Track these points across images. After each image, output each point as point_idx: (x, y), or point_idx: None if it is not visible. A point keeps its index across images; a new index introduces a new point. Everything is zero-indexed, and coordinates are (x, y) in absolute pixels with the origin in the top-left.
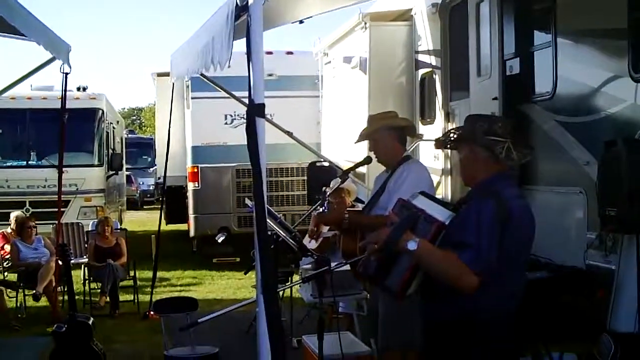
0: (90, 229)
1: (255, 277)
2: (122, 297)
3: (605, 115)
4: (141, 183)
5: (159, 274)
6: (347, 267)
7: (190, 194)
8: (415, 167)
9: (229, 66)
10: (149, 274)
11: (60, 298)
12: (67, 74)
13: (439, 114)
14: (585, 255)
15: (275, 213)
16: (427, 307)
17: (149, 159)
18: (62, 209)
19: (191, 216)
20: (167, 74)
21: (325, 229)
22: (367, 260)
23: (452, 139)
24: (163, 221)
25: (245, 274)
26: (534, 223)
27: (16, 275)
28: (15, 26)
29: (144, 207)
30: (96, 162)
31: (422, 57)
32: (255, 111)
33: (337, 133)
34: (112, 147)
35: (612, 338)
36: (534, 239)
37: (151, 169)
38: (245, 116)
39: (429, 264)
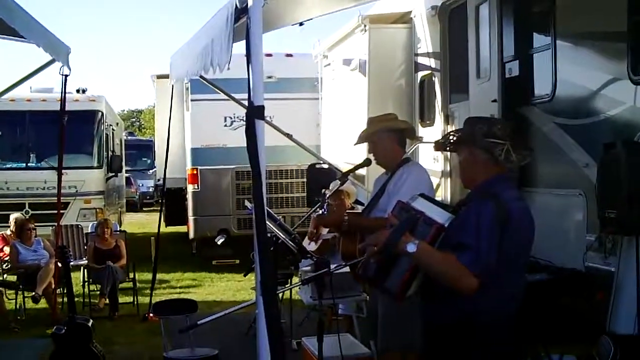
0: (89, 231)
1: (255, 279)
2: (122, 299)
3: (605, 118)
4: (141, 185)
5: (159, 276)
6: (347, 269)
7: (189, 196)
8: (415, 170)
9: (228, 68)
10: (149, 276)
11: (60, 300)
12: (66, 76)
13: (439, 117)
14: (585, 258)
15: (275, 215)
16: (426, 309)
17: (149, 161)
18: (61, 211)
19: (191, 218)
20: (166, 76)
21: (324, 231)
22: (366, 262)
23: (452, 141)
24: (162, 223)
25: (245, 276)
26: (534, 225)
27: (15, 277)
28: (15, 28)
29: (144, 209)
30: (95, 164)
31: (421, 60)
32: (254, 113)
33: (336, 135)
34: (111, 149)
35: (612, 340)
36: (534, 241)
37: (150, 171)
38: (244, 118)
39: (429, 265)
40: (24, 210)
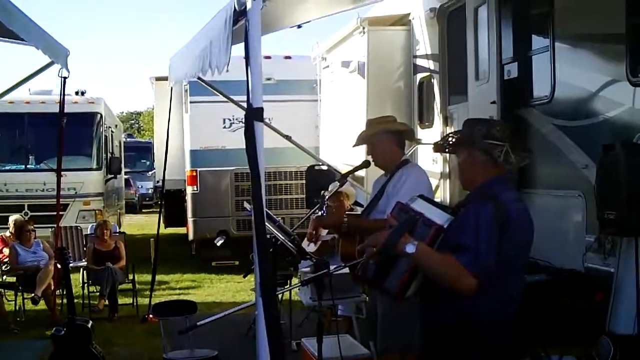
0: (89, 233)
1: (254, 280)
2: (121, 300)
3: (604, 119)
4: (140, 187)
5: (158, 277)
6: (346, 270)
7: (189, 198)
8: (414, 171)
9: (227, 70)
10: (148, 277)
11: (59, 301)
12: (65, 78)
13: (437, 118)
14: (584, 258)
15: (274, 216)
16: (425, 309)
17: (148, 163)
18: (60, 213)
19: (190, 220)
20: (165, 78)
21: (324, 232)
22: (365, 263)
23: (451, 142)
24: (162, 224)
25: (244, 277)
26: (533, 226)
27: (15, 278)
28: (14, 30)
29: (143, 210)
30: (95, 166)
31: (420, 62)
32: (253, 115)
33: (335, 137)
34: (110, 150)
35: (611, 340)
36: (533, 242)
37: (150, 173)
38: (243, 120)
39: (428, 266)
40: (24, 211)
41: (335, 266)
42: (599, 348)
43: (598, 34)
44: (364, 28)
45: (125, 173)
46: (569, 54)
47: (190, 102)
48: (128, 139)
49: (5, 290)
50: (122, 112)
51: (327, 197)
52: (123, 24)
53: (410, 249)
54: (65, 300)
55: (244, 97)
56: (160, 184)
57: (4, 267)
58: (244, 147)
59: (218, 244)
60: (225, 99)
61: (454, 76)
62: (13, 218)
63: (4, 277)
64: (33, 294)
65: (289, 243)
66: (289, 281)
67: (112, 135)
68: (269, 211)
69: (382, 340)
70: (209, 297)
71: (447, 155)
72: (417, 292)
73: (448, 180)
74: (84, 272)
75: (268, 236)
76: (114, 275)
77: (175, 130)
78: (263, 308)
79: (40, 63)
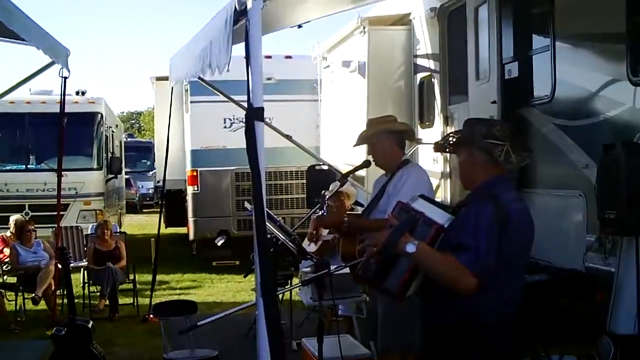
0: (89, 233)
1: (255, 280)
2: (122, 300)
3: (604, 119)
4: (140, 186)
5: (159, 277)
6: (347, 270)
7: (189, 198)
8: (415, 171)
9: (227, 70)
10: (149, 277)
11: (60, 301)
12: (66, 78)
13: (438, 118)
14: (585, 258)
15: (275, 216)
16: (426, 309)
17: (148, 163)
18: (61, 213)
19: (190, 219)
20: (166, 78)
21: (324, 232)
22: (366, 263)
23: (451, 142)
24: (162, 224)
25: (245, 277)
26: (533, 226)
27: (15, 278)
28: (14, 30)
29: (143, 210)
30: (95, 166)
31: (420, 61)
32: (254, 115)
33: (336, 137)
34: (111, 150)
35: (612, 340)
36: (534, 242)
37: (150, 173)
38: (244, 120)
39: (428, 266)
40: (24, 211)
41: (335, 266)
42: (599, 348)
43: (598, 33)
44: (364, 28)
45: (126, 173)
46: (569, 53)
47: (191, 102)
48: (129, 139)
49: (6, 290)
50: (123, 112)
51: (327, 196)
52: (123, 24)
53: (410, 248)
54: (65, 300)
55: (245, 97)
56: (160, 183)
57: (4, 267)
58: (245, 146)
59: (219, 244)
60: (225, 99)
61: (455, 76)
62: (14, 218)
63: (5, 277)
64: (34, 294)
65: (290, 243)
66: (289, 281)
67: (112, 135)
68: (269, 211)
69: (383, 340)
70: (210, 297)
71: (448, 155)
72: (418, 292)
73: (449, 180)
74: (85, 272)
75: (269, 236)
76: (115, 275)
77: (175, 130)
78: (264, 308)
79: (41, 63)
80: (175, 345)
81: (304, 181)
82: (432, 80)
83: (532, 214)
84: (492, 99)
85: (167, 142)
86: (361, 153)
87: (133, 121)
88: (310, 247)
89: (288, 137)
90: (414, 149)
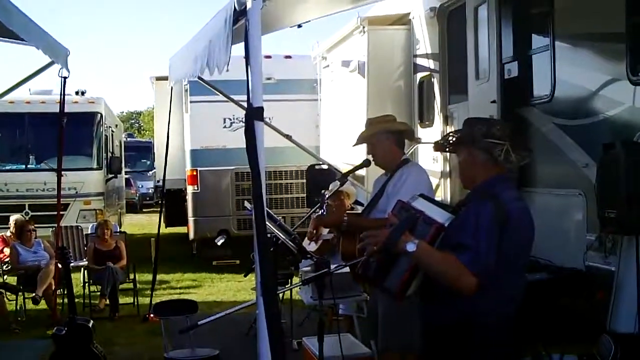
0: (89, 232)
1: (255, 280)
2: (122, 299)
3: (604, 118)
4: (140, 186)
5: (159, 276)
6: (347, 269)
7: (189, 197)
8: (414, 170)
9: (227, 70)
10: (149, 276)
11: (60, 301)
12: (65, 78)
13: (438, 117)
14: (585, 257)
15: (275, 216)
16: (426, 309)
17: (148, 162)
18: (61, 212)
19: (190, 219)
20: (166, 78)
21: (324, 231)
22: (366, 262)
23: (451, 142)
24: (162, 224)
25: (245, 276)
26: (533, 226)
27: (16, 278)
28: (14, 30)
29: (143, 210)
30: (95, 166)
31: (420, 61)
32: (254, 115)
33: (335, 136)
34: (111, 150)
35: (613, 339)
36: (534, 241)
37: (150, 172)
38: (244, 120)
39: (428, 265)
40: (24, 211)
41: (336, 265)
42: (600, 347)
43: (598, 33)
44: (364, 27)
45: (126, 173)
46: (569, 53)
47: (191, 102)
48: (128, 139)
49: (6, 291)
50: (123, 112)
51: (327, 196)
52: (123, 24)
53: (410, 247)
54: (66, 300)
55: (244, 97)
56: (160, 183)
57: (4, 267)
58: (245, 146)
59: (219, 244)
60: (225, 99)
61: (454, 75)
62: (14, 218)
63: (5, 277)
64: (34, 294)
65: (290, 242)
66: (289, 280)
67: (112, 134)
68: (269, 210)
69: (383, 339)
70: (210, 296)
71: (448, 154)
72: (418, 292)
73: (448, 180)
74: (85, 271)
75: (269, 235)
76: (115, 274)
77: (175, 130)
78: (264, 307)
79: (41, 63)
80: (176, 344)
81: (304, 181)
82: (432, 79)
83: (532, 213)
84: (491, 98)
85: (167, 142)
86: (361, 152)
87: (133, 121)
88: (311, 246)
89: (288, 137)
90: (414, 148)
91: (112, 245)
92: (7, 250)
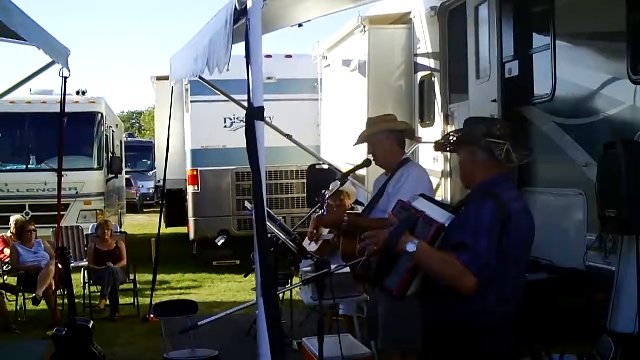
0: (89, 232)
1: (255, 280)
2: (122, 300)
3: (604, 117)
4: (141, 186)
5: (159, 276)
6: (347, 269)
7: (189, 197)
8: (415, 170)
9: (227, 69)
10: (149, 276)
11: (60, 301)
12: (66, 77)
13: (438, 117)
14: (585, 257)
15: (275, 216)
16: (426, 309)
17: (149, 162)
18: (61, 212)
19: (191, 219)
20: (166, 78)
21: (324, 231)
22: (366, 262)
23: (452, 141)
24: (163, 224)
25: (245, 276)
26: (533, 225)
27: (16, 278)
28: (14, 30)
29: (144, 210)
30: (95, 166)
31: (421, 60)
32: (254, 114)
33: (336, 136)
34: (111, 150)
35: (613, 339)
36: (534, 241)
37: (150, 172)
38: (244, 119)
39: (428, 265)
40: (24, 211)
41: (336, 265)
42: (600, 347)
43: (599, 31)
44: (364, 27)
45: (126, 172)
46: (569, 52)
47: (191, 101)
48: (129, 139)
49: (6, 291)
50: (123, 112)
51: (327, 196)
52: (123, 24)
53: (410, 247)
54: (66, 300)
55: (245, 96)
56: (161, 183)
57: (4, 267)
58: (245, 146)
59: (219, 244)
60: (226, 98)
61: (455, 74)
62: (14, 218)
63: (5, 277)
64: (34, 294)
65: (290, 242)
66: (289, 280)
67: (112, 134)
68: (269, 210)
69: (383, 339)
70: (210, 296)
71: (448, 153)
72: (418, 291)
73: (449, 179)
74: (85, 271)
75: (269, 235)
76: (115, 275)
77: (176, 130)
78: (264, 307)
79: (41, 63)
80: (176, 344)
81: (304, 180)
82: (433, 79)
83: (532, 212)
84: (492, 97)
85: (167, 142)
86: (361, 152)
87: (133, 121)
88: (311, 246)
89: (288, 137)
90: (414, 147)
91: (112, 246)
92: (7, 251)
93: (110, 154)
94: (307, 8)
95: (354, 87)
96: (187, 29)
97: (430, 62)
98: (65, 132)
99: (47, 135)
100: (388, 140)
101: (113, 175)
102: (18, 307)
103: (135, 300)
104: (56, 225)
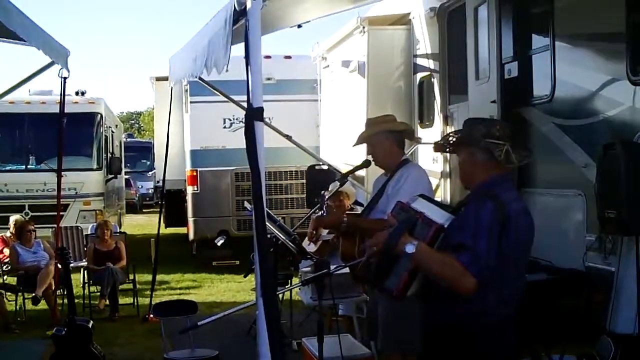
0: (89, 233)
1: (255, 280)
2: (122, 300)
3: (604, 118)
4: (140, 187)
5: (159, 277)
6: (347, 269)
7: (189, 198)
8: (414, 171)
9: (227, 70)
10: (149, 277)
11: (60, 301)
12: (65, 78)
13: (438, 118)
14: (585, 258)
15: (275, 216)
16: (426, 309)
17: (148, 163)
18: (61, 213)
19: (190, 219)
20: (166, 78)
21: (324, 232)
22: (366, 263)
23: (451, 142)
24: (162, 224)
25: (245, 277)
26: (533, 226)
27: (15, 278)
28: (14, 31)
29: (143, 210)
30: (95, 166)
31: (420, 61)
32: (254, 115)
33: (335, 136)
34: (111, 151)
35: (612, 340)
36: (533, 242)
37: (150, 173)
38: (244, 120)
39: (428, 266)
40: (24, 212)
41: (335, 266)
42: (599, 348)
43: (598, 33)
44: (364, 27)
45: (126, 173)
46: (569, 53)
47: (191, 102)
48: (128, 139)
49: (6, 291)
50: (123, 112)
51: (327, 196)
52: (123, 24)
53: (410, 249)
54: (65, 300)
55: (244, 97)
56: (160, 184)
57: (4, 267)
58: (245, 146)
59: (218, 244)
60: (225, 99)
61: (454, 75)
62: (14, 218)
63: (5, 277)
64: (34, 294)
65: (290, 243)
66: (289, 281)
67: (112, 135)
68: (269, 211)
69: (383, 339)
70: (210, 297)
71: (448, 154)
72: (418, 292)
73: (448, 180)
74: (85, 272)
75: (269, 236)
76: (115, 275)
77: (175, 130)
78: (264, 308)
79: (41, 63)
80: (176, 344)
81: (304, 181)
82: (432, 80)
83: (532, 213)
84: (491, 98)
85: (166, 142)
86: (361, 153)
87: (133, 121)
88: (310, 247)
89: (288, 137)
90: (414, 148)
91: (112, 246)
92: (7, 251)
93: (109, 155)
94: (307, 9)
95: (354, 88)
96: (186, 29)
97: (430, 63)
98: (65, 133)
99: (46, 135)
100: (387, 141)
101: (112, 175)
102: (18, 307)
103: (135, 301)
104: (56, 225)
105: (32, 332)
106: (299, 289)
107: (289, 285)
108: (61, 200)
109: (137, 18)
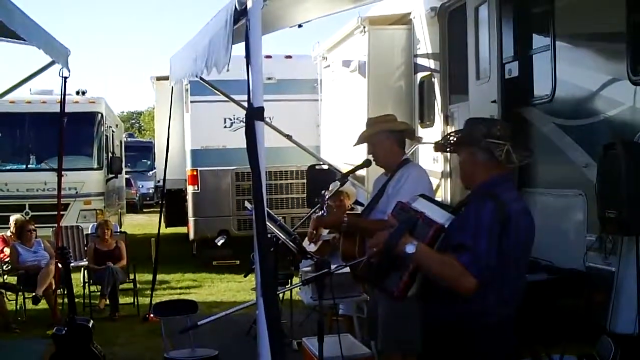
0: (89, 232)
1: (255, 280)
2: (122, 299)
3: (604, 118)
4: (141, 186)
5: (159, 276)
6: (347, 269)
7: (189, 197)
8: (415, 171)
9: (227, 70)
10: (149, 276)
11: (60, 301)
12: (66, 78)
13: (438, 117)
14: (585, 258)
15: (275, 216)
16: (426, 309)
17: (149, 162)
18: (61, 212)
19: (191, 219)
20: (166, 78)
21: (324, 232)
22: (367, 263)
23: (452, 142)
24: (162, 224)
25: (245, 276)
26: (534, 226)
27: (16, 278)
28: (14, 30)
29: (144, 210)
30: (95, 166)
31: (421, 61)
32: (254, 115)
33: (336, 136)
34: (111, 150)
35: (613, 340)
36: (534, 242)
37: (150, 172)
38: (244, 120)
39: (428, 266)
40: (24, 211)
41: (336, 266)
42: (600, 348)
43: (599, 32)
44: (364, 27)
45: (126, 173)
46: (569, 52)
47: (191, 102)
48: (129, 139)
49: (6, 291)
50: (123, 112)
51: (327, 196)
52: (123, 24)
53: (410, 249)
54: (66, 300)
55: (245, 97)
56: (161, 183)
57: (4, 267)
58: (245, 146)
59: (219, 244)
60: (226, 99)
61: (455, 75)
62: (14, 218)
63: (5, 276)
64: (34, 294)
65: (290, 242)
66: (289, 280)
67: (112, 134)
68: (269, 210)
69: (383, 339)
70: (210, 296)
71: (448, 154)
72: (418, 292)
73: (449, 180)
74: (85, 271)
75: (269, 235)
76: (115, 274)
77: (176, 130)
78: (264, 308)
79: (41, 63)
80: (176, 344)
81: (304, 181)
82: (433, 79)
83: (532, 213)
84: (492, 98)
85: (167, 142)
86: (361, 152)
87: (133, 121)
88: (311, 246)
89: (288, 137)
90: (415, 148)
91: (112, 245)
92: (7, 250)
93: (110, 154)
94: (307, 9)
95: (354, 87)
96: (186, 29)
97: (430, 63)
98: (65, 132)
99: (47, 135)
100: (388, 140)
101: (113, 175)
102: (18, 306)
103: (135, 300)
104: (56, 225)
105: (33, 332)
106: (299, 288)
107: (289, 285)
108: (61, 199)
109: (137, 18)
